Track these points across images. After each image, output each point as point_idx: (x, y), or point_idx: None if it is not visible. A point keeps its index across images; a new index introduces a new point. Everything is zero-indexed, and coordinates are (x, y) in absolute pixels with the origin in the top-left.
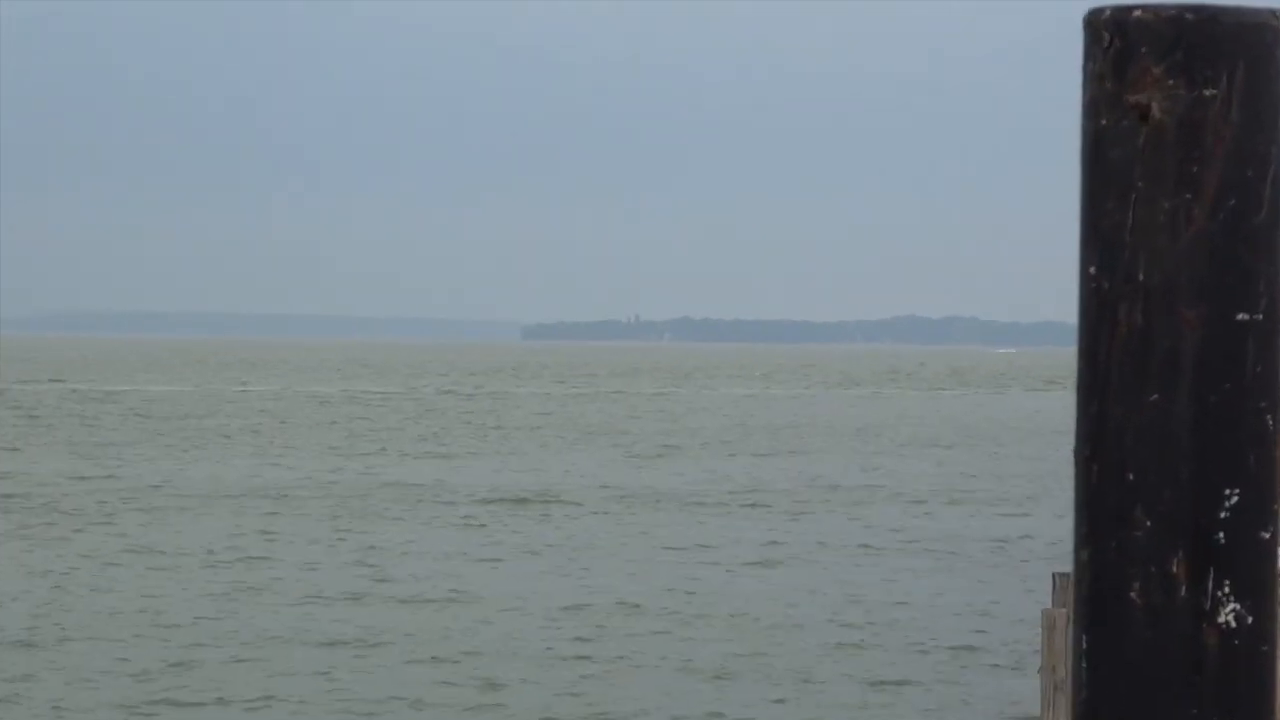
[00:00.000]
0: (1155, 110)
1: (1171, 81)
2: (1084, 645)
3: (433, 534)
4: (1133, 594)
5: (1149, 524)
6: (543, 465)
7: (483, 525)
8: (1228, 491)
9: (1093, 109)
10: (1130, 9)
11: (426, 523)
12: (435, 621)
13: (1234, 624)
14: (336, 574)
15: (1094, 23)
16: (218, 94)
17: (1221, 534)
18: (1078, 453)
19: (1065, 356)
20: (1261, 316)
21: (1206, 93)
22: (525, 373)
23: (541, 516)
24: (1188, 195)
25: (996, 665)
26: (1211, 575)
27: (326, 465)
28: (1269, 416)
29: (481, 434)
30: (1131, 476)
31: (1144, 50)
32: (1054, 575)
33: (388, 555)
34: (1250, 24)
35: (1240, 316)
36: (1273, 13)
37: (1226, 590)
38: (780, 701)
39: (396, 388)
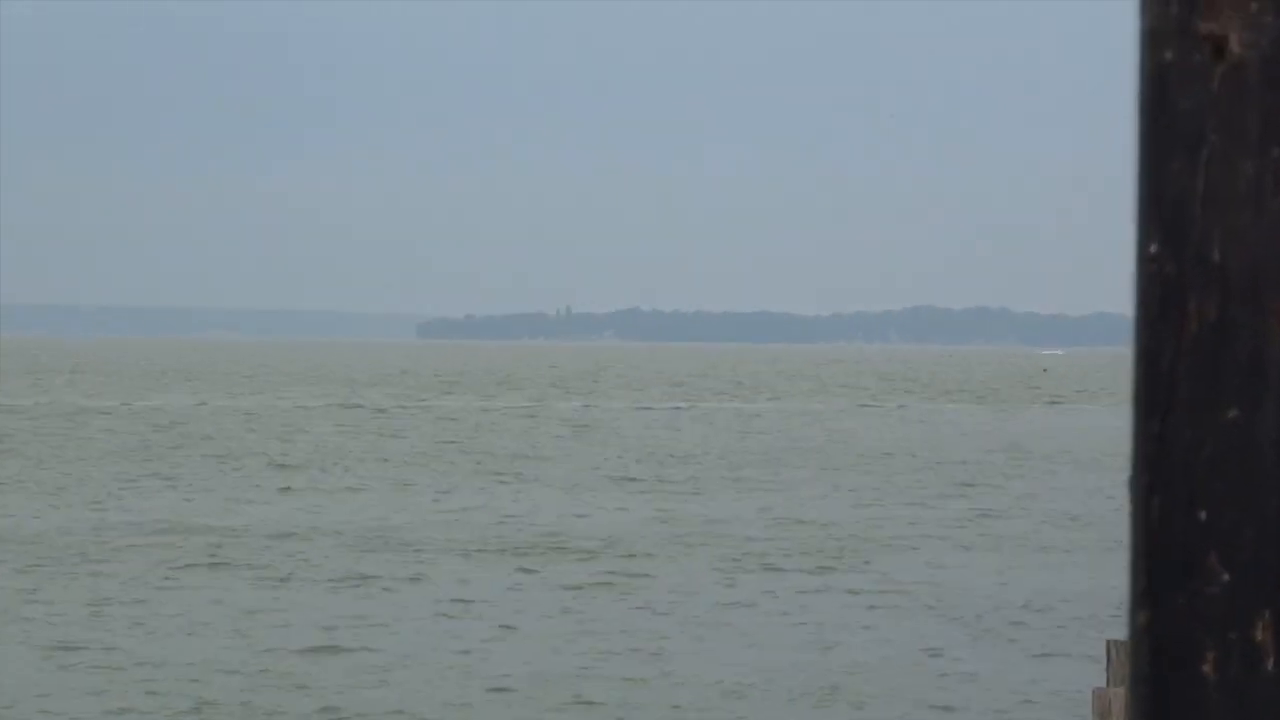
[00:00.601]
0: (1234, 43)
1: (1256, 6)
2: None
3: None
4: (1206, 666)
5: (1227, 576)
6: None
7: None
8: None
9: (1153, 41)
10: None
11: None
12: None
13: None
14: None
15: None
16: None
17: None
18: (1134, 484)
19: (1129, 359)
20: None
21: None
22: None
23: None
24: (1276, 153)
25: None
26: None
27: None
28: None
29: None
30: (1204, 515)
31: None
32: (1108, 644)
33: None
34: None
35: None
36: None
37: None
38: None
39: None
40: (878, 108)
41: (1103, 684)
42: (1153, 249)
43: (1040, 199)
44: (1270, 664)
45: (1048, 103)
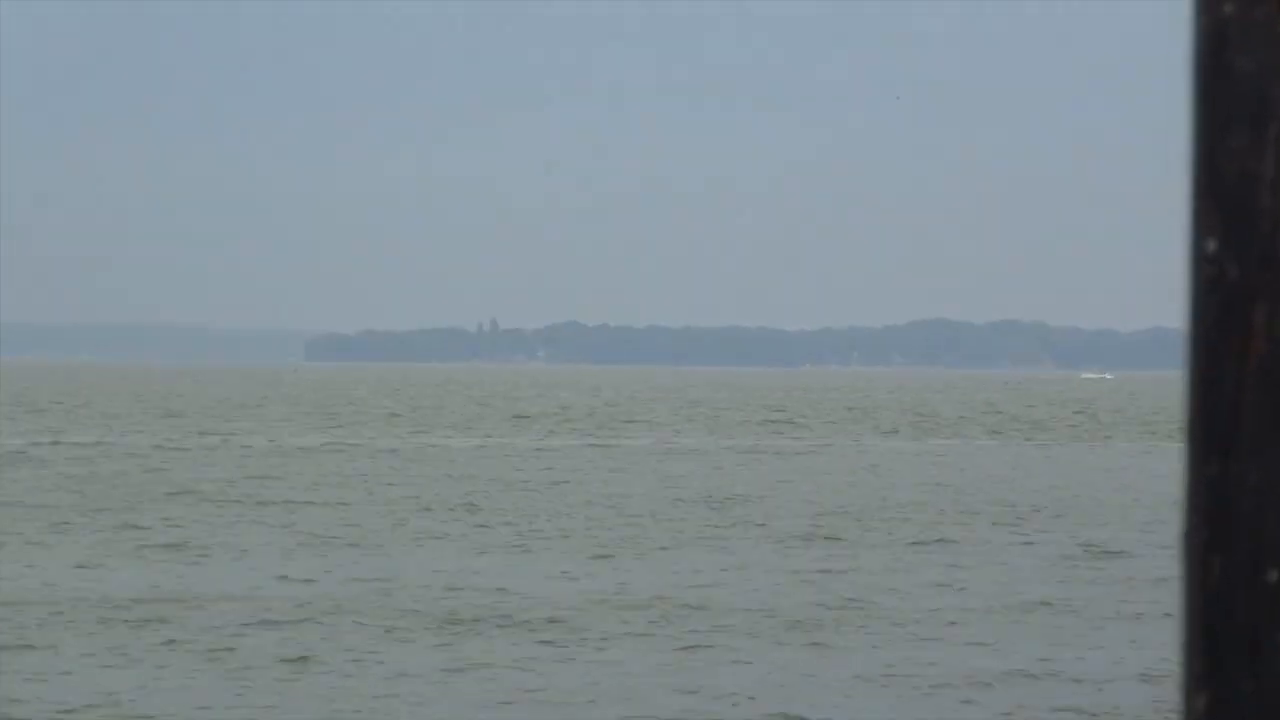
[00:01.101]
0: None
1: None
2: None
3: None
4: None
5: None
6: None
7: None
8: None
9: None
10: None
11: None
12: None
13: None
14: None
15: None
16: None
17: None
18: (1187, 540)
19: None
20: None
21: None
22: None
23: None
24: None
25: None
26: None
27: None
28: None
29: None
30: (1275, 577)
31: None
32: None
33: None
34: None
35: None
36: None
37: None
38: None
39: None
40: (877, 87)
41: None
42: (1210, 247)
43: (1082, 195)
44: None
45: (1088, 82)
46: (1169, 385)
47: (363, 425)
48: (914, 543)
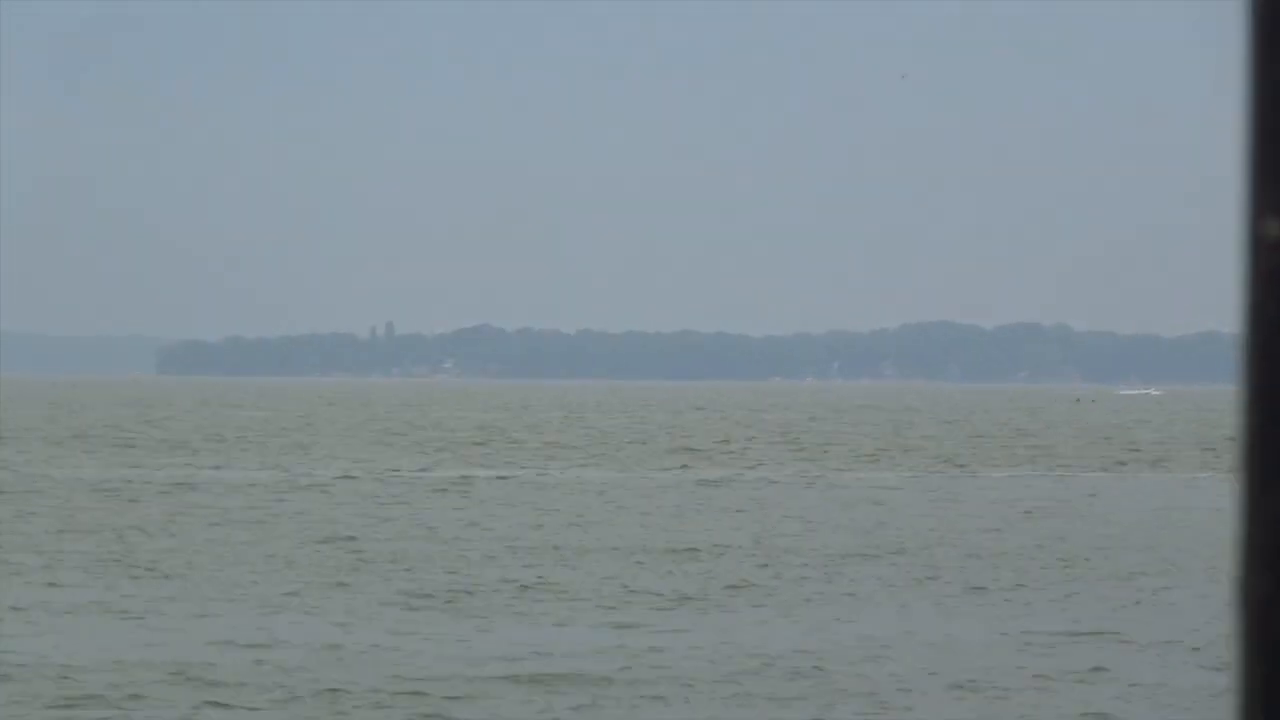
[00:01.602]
0: None
1: None
2: None
3: None
4: None
5: None
6: None
7: None
8: None
9: None
10: None
11: None
12: None
13: None
14: None
15: None
16: None
17: None
18: (1244, 591)
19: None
20: None
21: None
22: None
23: None
24: None
25: None
26: None
27: None
28: None
29: None
30: None
31: None
32: None
33: None
34: None
35: None
36: None
37: None
38: None
39: None
40: (872, 49)
41: None
42: (1273, 231)
43: (1114, 176)
44: None
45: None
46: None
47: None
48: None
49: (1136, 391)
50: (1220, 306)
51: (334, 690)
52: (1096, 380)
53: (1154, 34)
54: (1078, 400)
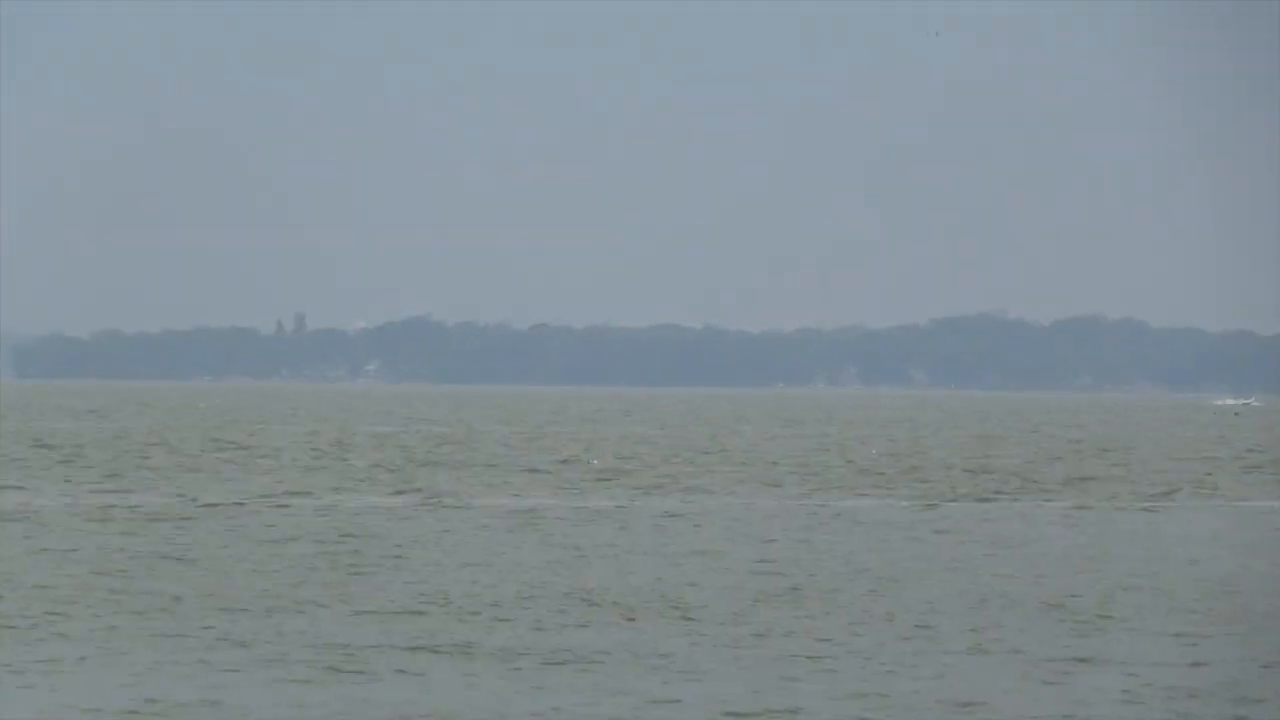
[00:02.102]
0: None
1: None
2: None
3: None
4: None
5: None
6: None
7: None
8: None
9: None
10: None
11: None
12: None
13: None
14: None
15: None
16: None
17: None
18: None
19: None
20: None
21: None
22: None
23: None
24: None
25: None
26: None
27: None
28: None
29: None
30: None
31: None
32: None
33: None
34: None
35: None
36: None
37: None
38: None
39: None
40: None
41: None
42: None
43: (1189, 148)
44: None
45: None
46: None
47: None
48: None
49: (1228, 402)
50: None
51: None
52: (1172, 387)
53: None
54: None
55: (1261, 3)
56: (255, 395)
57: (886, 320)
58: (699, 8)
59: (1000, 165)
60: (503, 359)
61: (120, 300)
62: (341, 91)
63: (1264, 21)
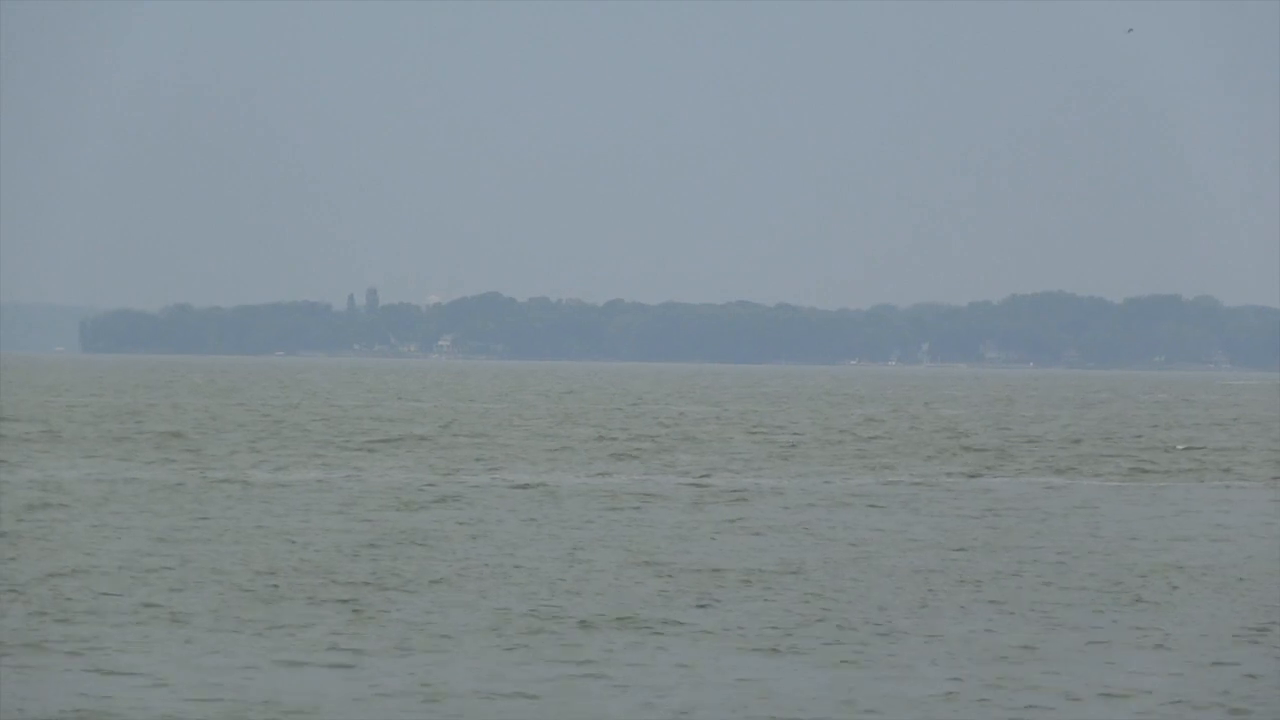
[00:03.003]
0: None
1: None
2: None
3: None
4: None
5: None
6: None
7: None
8: None
9: None
10: None
11: None
12: None
13: None
14: None
15: None
16: None
17: None
18: None
19: None
20: None
21: None
22: None
23: None
24: None
25: None
26: None
27: None
28: None
29: None
30: None
31: None
32: None
33: None
34: None
35: None
36: None
37: None
38: None
39: None
40: None
41: None
42: None
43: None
44: None
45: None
46: None
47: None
48: None
49: None
50: None
51: None
52: (1249, 366)
53: None
54: None
55: None
56: (343, 369)
57: (960, 297)
58: None
59: (1080, 148)
60: (575, 335)
61: (192, 275)
62: (420, 69)
63: None
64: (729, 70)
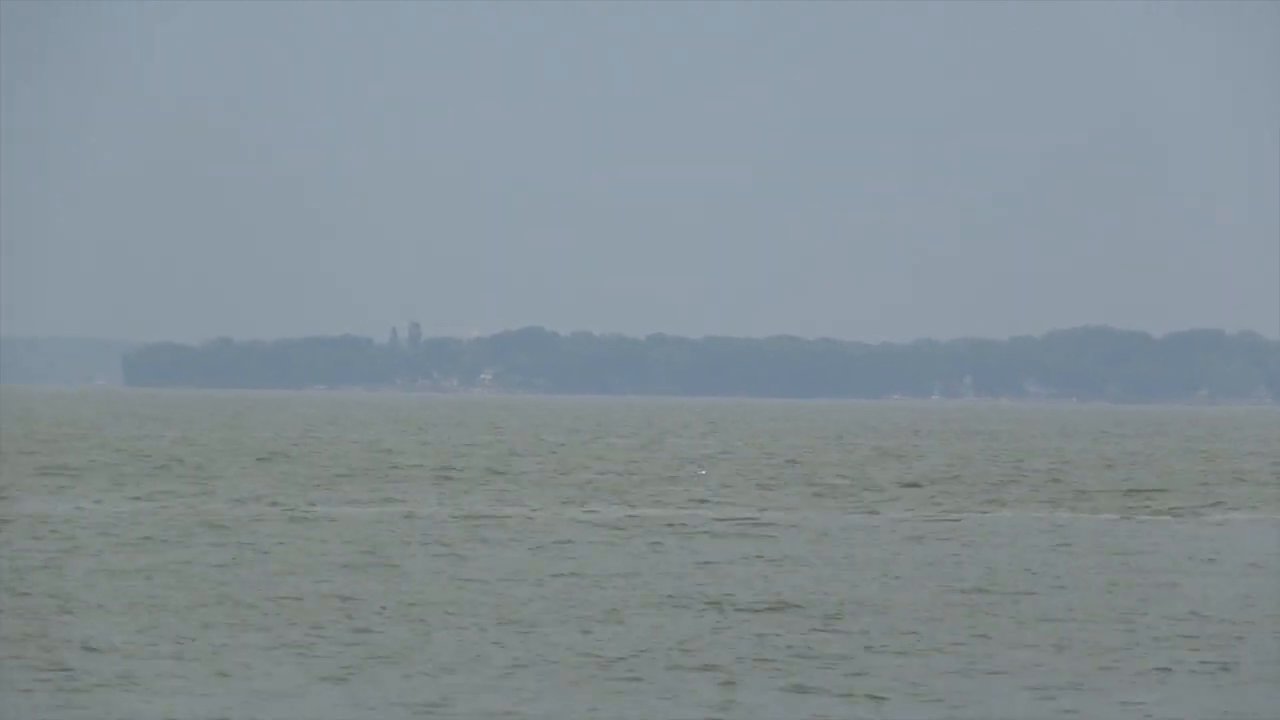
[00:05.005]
0: None
1: None
2: None
3: None
4: None
5: None
6: None
7: None
8: None
9: None
10: None
11: None
12: None
13: None
14: None
15: None
16: None
17: None
18: None
19: None
20: None
21: None
22: None
23: None
24: None
25: None
26: None
27: None
28: None
29: None
30: None
31: None
32: None
33: None
34: None
35: None
36: None
37: None
38: None
39: None
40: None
41: None
42: None
43: None
44: None
45: None
46: None
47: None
48: None
49: None
50: None
51: None
52: None
53: None
54: None
55: None
56: (385, 402)
57: (1003, 331)
58: (837, 18)
59: (1119, 179)
60: (617, 369)
61: (233, 308)
62: (466, 105)
63: None
64: (766, 102)
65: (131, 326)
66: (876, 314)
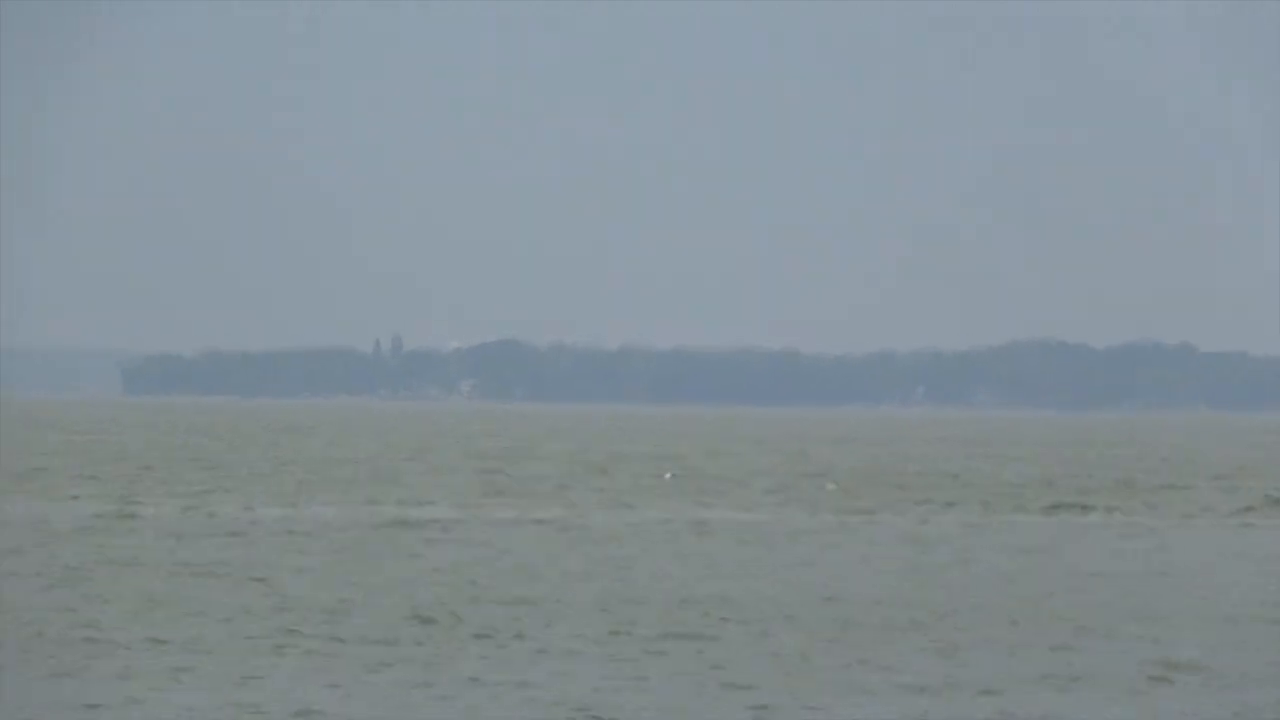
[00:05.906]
0: None
1: None
2: None
3: None
4: None
5: None
6: None
7: None
8: None
9: None
10: None
11: None
12: None
13: None
14: None
15: None
16: None
17: None
18: None
19: None
20: None
21: None
22: None
23: None
24: None
25: None
26: None
27: None
28: None
29: None
30: None
31: None
32: None
33: None
34: None
35: None
36: None
37: None
38: None
39: None
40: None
41: None
42: None
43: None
44: None
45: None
46: None
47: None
48: None
49: None
50: None
51: None
52: (1225, 409)
53: None
54: None
55: None
56: (369, 410)
57: (955, 343)
58: (785, 22)
59: (1076, 187)
60: (592, 379)
61: (224, 318)
62: (450, 116)
63: None
64: (729, 115)
65: (127, 337)
66: (841, 325)
